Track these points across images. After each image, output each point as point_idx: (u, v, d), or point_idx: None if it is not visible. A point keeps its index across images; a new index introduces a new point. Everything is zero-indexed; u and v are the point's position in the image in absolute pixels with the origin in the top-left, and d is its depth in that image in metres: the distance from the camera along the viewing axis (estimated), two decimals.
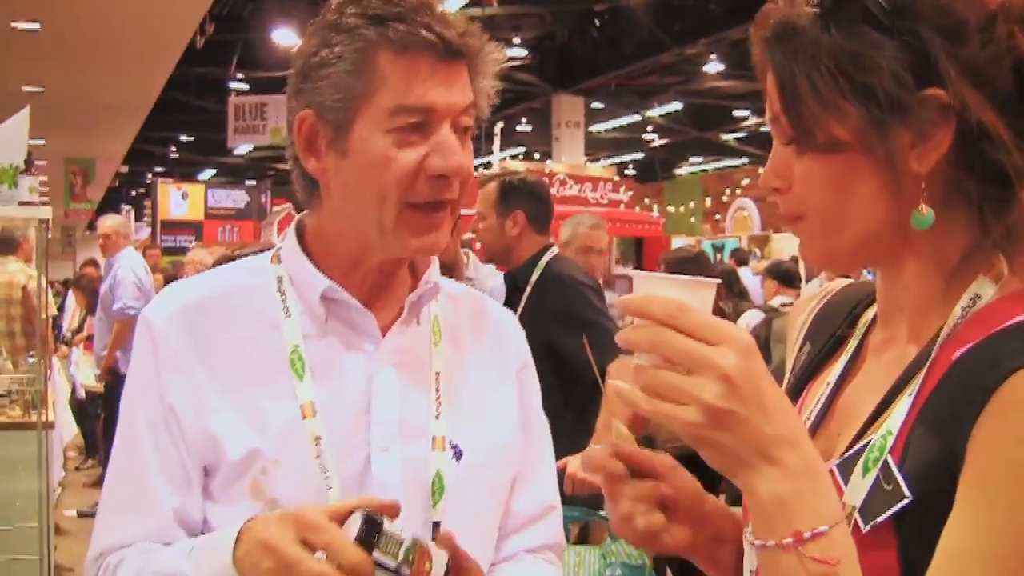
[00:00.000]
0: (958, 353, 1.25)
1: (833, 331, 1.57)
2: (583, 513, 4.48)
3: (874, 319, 1.51)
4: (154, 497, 1.74)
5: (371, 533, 1.48)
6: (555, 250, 5.05)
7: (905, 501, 1.21)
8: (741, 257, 18.62)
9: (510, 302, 4.90)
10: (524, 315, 4.73)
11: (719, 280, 1.26)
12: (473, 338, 1.98)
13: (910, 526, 1.21)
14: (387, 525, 1.49)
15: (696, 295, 1.20)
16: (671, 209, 31.41)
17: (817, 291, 1.70)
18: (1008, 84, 1.26)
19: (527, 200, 5.03)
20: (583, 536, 4.51)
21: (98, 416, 12.12)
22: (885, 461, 1.25)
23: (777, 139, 1.37)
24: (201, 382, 1.75)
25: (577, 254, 6.43)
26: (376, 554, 1.46)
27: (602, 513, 4.73)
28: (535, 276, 4.90)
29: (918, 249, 1.35)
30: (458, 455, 1.83)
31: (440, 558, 1.50)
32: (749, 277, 16.14)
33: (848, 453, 1.33)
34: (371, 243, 1.77)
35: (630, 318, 1.21)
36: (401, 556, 1.47)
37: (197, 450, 1.74)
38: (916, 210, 1.29)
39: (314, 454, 1.71)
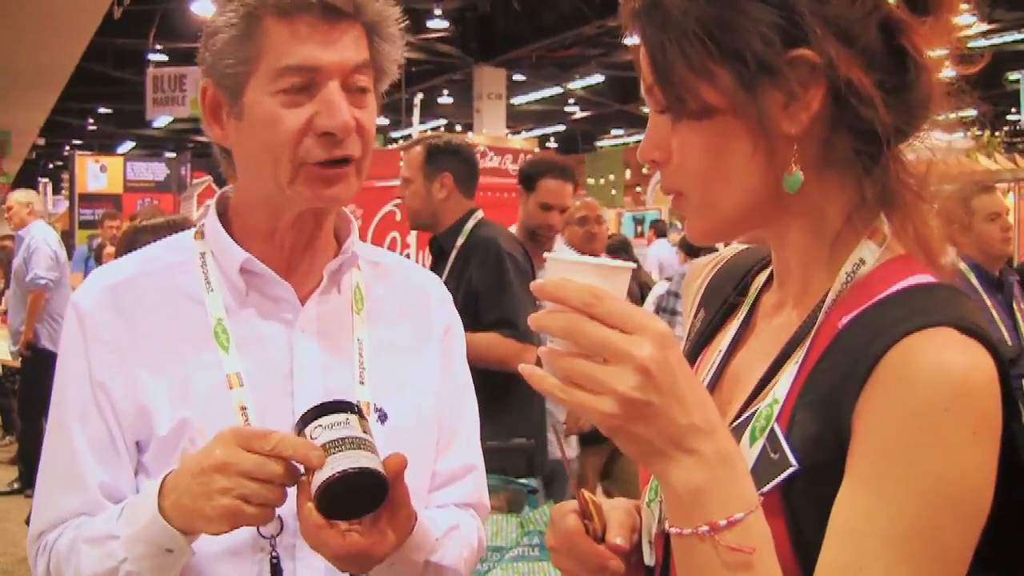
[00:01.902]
0: (844, 320, 1.28)
1: (726, 297, 1.58)
2: (501, 481, 4.52)
3: (766, 283, 1.52)
4: (84, 474, 1.78)
5: (303, 421, 1.60)
6: (479, 214, 5.00)
7: (791, 470, 1.23)
8: (660, 229, 18.74)
9: (436, 269, 4.87)
10: (449, 282, 4.75)
11: (635, 265, 1.24)
12: (396, 303, 2.02)
13: (798, 495, 1.23)
14: (324, 420, 1.59)
15: (611, 281, 1.18)
16: (592, 181, 31.36)
17: (709, 258, 1.70)
18: (875, 41, 1.27)
19: (454, 162, 4.98)
20: (514, 506, 4.55)
21: (15, 392, 11.92)
22: (772, 430, 1.27)
23: (652, 110, 1.38)
24: (130, 358, 1.79)
25: None
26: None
27: (521, 481, 4.78)
28: (460, 241, 4.88)
29: (797, 213, 1.36)
30: (383, 418, 1.87)
31: (336, 462, 1.55)
32: (666, 248, 16.27)
33: (736, 421, 1.35)
34: (277, 201, 1.81)
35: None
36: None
37: (129, 424, 1.79)
38: (786, 171, 1.30)
39: (241, 423, 1.76)
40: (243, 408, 1.78)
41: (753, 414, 1.33)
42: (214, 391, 1.79)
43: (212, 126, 1.84)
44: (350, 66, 1.76)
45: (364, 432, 1.61)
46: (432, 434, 1.98)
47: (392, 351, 1.95)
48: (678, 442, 1.14)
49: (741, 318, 1.53)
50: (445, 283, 4.75)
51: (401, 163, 5.06)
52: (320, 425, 1.58)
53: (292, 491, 1.62)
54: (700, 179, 1.35)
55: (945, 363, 1.17)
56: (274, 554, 1.74)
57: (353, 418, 1.61)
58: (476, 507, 2.07)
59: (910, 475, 1.16)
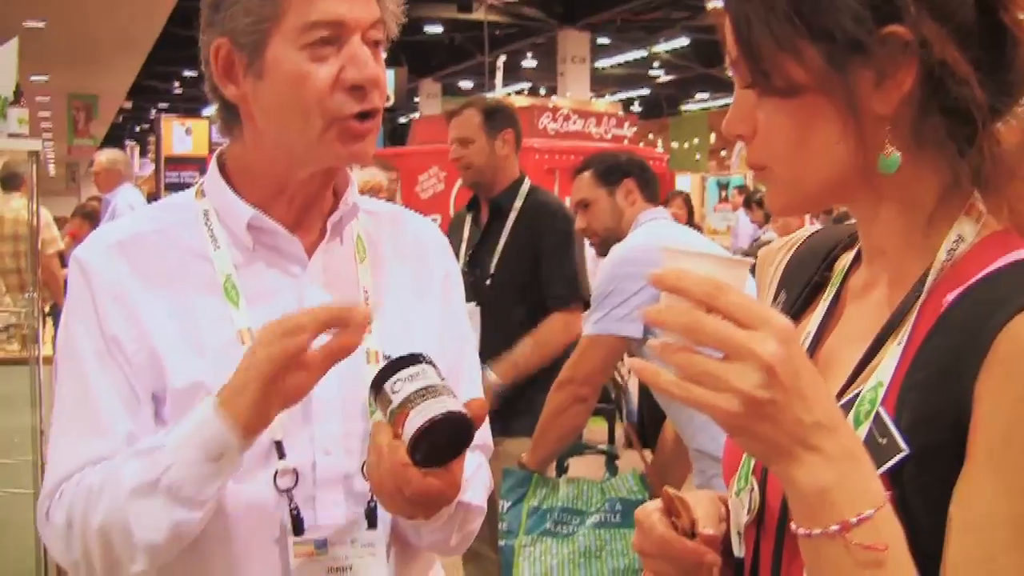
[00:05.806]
0: (951, 296, 1.23)
1: (809, 277, 1.53)
2: (580, 447, 4.52)
3: (853, 263, 1.47)
4: (110, 421, 1.77)
5: (380, 378, 1.65)
6: (528, 180, 5.11)
7: (902, 455, 1.18)
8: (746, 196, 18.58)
9: (491, 228, 5.00)
10: (510, 242, 4.89)
11: (754, 260, 1.19)
12: (395, 251, 2.05)
13: (908, 478, 1.18)
14: (402, 374, 1.63)
15: (731, 273, 1.14)
16: (675, 145, 31.22)
17: (784, 240, 1.66)
18: (970, 17, 1.22)
19: (512, 121, 5.10)
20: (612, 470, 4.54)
21: None
22: (877, 413, 1.22)
23: (738, 84, 1.33)
24: (140, 311, 1.80)
25: None
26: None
27: (601, 447, 4.78)
28: (519, 203, 4.96)
29: (889, 193, 1.31)
30: None
31: (415, 420, 1.59)
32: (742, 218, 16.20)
33: None
34: (298, 159, 1.83)
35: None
36: (387, 417, 1.63)
37: (145, 377, 1.79)
38: (882, 153, 1.26)
39: None
40: None
41: (854, 398, 1.27)
42: (225, 346, 1.79)
43: (227, 85, 1.84)
44: (369, 21, 1.79)
45: (442, 379, 1.65)
46: None
47: (394, 298, 1.99)
48: (803, 440, 1.10)
49: (829, 299, 1.47)
50: (505, 243, 4.84)
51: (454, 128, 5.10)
52: (399, 379, 1.62)
53: (305, 440, 1.79)
54: (785, 157, 1.30)
55: None
56: (293, 505, 1.78)
57: (428, 368, 1.65)
58: (483, 448, 2.10)
59: None
